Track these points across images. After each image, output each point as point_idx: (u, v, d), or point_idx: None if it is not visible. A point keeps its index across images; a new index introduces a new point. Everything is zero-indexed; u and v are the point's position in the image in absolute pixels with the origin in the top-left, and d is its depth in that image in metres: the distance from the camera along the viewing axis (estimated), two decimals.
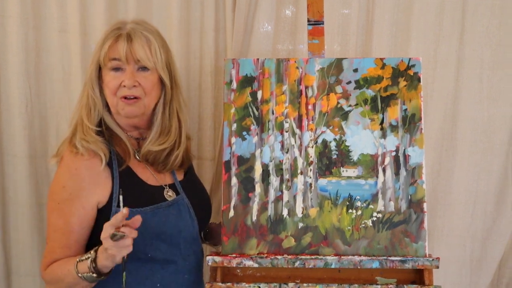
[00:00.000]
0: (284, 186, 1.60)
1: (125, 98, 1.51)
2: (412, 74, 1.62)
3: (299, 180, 1.60)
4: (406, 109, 1.61)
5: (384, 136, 1.60)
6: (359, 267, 1.52)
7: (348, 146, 1.60)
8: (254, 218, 1.58)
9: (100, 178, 1.49)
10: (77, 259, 1.41)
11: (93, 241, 1.49)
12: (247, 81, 1.65)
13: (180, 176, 1.66)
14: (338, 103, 1.62)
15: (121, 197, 1.36)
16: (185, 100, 1.69)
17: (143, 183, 1.55)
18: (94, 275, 1.38)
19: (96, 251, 1.39)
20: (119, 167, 1.51)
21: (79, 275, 1.39)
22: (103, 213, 1.48)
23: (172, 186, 1.60)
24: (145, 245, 1.48)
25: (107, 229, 1.32)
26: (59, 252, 1.48)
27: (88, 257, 1.39)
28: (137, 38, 1.50)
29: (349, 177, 1.59)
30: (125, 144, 1.56)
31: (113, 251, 1.32)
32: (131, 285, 1.46)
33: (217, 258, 1.52)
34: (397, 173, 1.58)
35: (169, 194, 1.57)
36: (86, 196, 1.47)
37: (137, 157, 1.58)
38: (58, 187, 1.49)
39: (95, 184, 1.48)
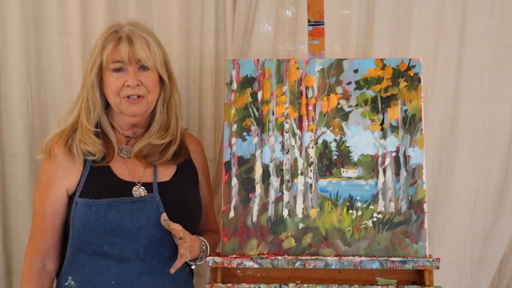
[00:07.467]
0: (284, 187, 1.60)
1: (128, 97, 1.56)
2: (412, 74, 1.62)
3: (300, 180, 1.60)
4: (406, 110, 1.61)
5: (384, 136, 1.60)
6: (359, 268, 1.52)
7: (349, 147, 1.60)
8: (255, 218, 1.58)
9: (74, 166, 1.57)
10: None
11: (67, 231, 1.57)
12: (247, 82, 1.65)
13: (167, 174, 1.64)
14: (338, 103, 1.62)
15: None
16: (180, 98, 1.74)
17: (113, 176, 1.58)
18: None
19: None
20: (96, 161, 1.58)
21: None
22: (70, 201, 1.56)
23: (147, 185, 1.59)
24: (100, 238, 1.52)
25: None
26: (39, 237, 1.56)
27: None
28: (136, 40, 1.56)
29: (349, 178, 1.59)
30: (112, 144, 1.61)
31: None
32: (88, 278, 1.53)
33: (217, 259, 1.52)
34: (397, 173, 1.58)
35: (139, 192, 1.57)
36: (59, 181, 1.56)
37: (120, 154, 1.62)
38: (40, 171, 1.61)
39: (67, 171, 1.57)
